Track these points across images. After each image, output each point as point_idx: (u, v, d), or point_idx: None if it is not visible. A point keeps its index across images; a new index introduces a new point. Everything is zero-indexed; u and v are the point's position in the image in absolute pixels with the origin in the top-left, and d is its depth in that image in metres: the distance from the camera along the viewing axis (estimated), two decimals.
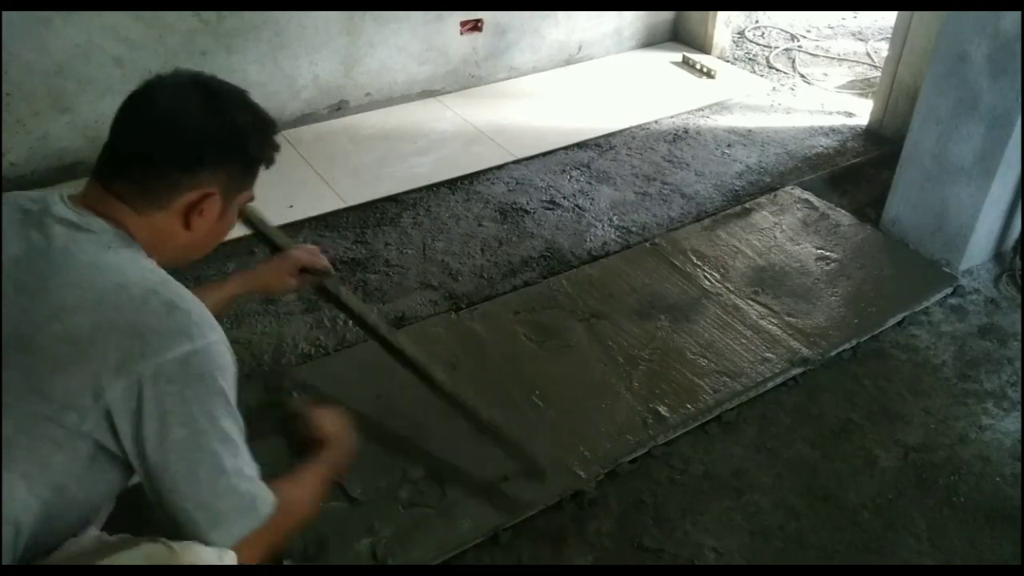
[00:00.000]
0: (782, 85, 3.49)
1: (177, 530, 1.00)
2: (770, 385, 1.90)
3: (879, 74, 3.20)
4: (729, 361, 1.96)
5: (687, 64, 3.60)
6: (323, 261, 1.64)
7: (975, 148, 2.14)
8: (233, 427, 1.03)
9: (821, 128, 3.13)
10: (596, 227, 2.50)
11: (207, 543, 0.99)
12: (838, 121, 3.19)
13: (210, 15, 2.63)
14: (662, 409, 1.82)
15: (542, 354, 1.97)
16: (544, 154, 2.88)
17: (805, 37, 4.03)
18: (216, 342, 1.02)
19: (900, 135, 2.50)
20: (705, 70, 3.50)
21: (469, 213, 2.55)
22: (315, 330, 2.04)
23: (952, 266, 2.29)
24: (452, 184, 2.69)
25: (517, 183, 2.72)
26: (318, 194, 2.59)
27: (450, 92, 3.28)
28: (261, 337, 2.01)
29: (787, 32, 4.06)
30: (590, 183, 2.73)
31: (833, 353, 2.00)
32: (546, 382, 1.88)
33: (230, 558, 0.99)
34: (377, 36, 2.99)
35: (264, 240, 1.67)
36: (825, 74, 3.63)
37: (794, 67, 3.68)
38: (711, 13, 3.63)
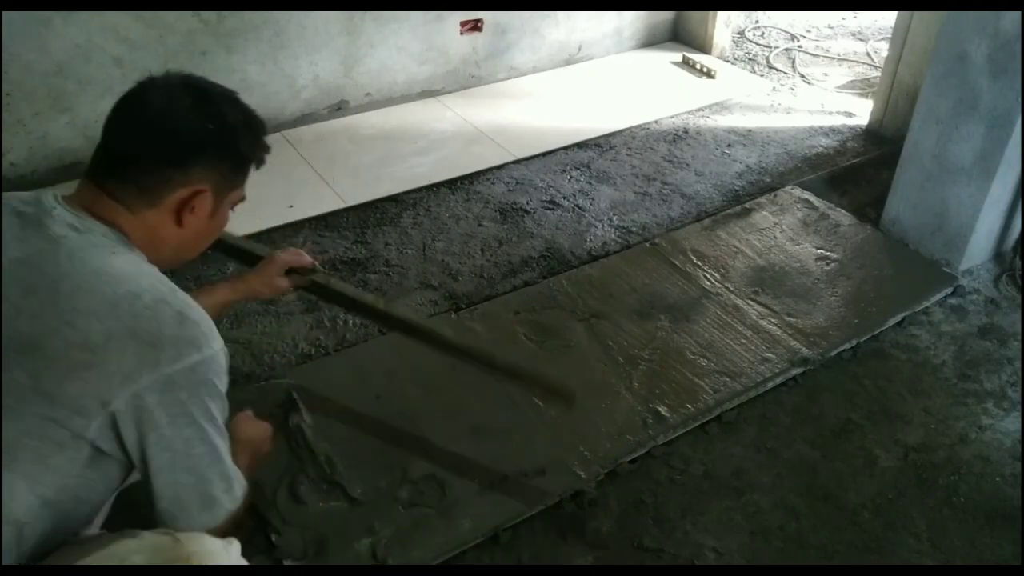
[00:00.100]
0: (782, 85, 3.49)
1: (166, 518, 1.04)
2: (770, 385, 1.90)
3: (879, 74, 3.20)
4: (729, 361, 1.96)
5: (687, 64, 3.60)
6: (307, 259, 1.64)
7: (975, 148, 2.14)
8: (223, 418, 1.10)
9: (821, 128, 3.13)
10: (596, 227, 2.50)
11: (192, 528, 1.03)
12: (838, 121, 3.19)
13: (210, 15, 2.63)
14: (662, 409, 1.82)
15: (542, 354, 1.97)
16: (544, 154, 2.88)
17: (805, 37, 4.03)
18: (219, 351, 1.07)
19: (900, 135, 2.50)
20: (705, 70, 3.50)
21: (469, 213, 2.55)
22: (315, 330, 2.04)
23: (952, 266, 2.29)
24: (452, 184, 2.69)
25: (517, 183, 2.72)
26: (318, 194, 2.59)
27: (450, 92, 3.28)
28: (261, 337, 2.01)
29: (787, 32, 4.06)
30: (590, 183, 2.73)
31: (833, 353, 2.00)
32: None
33: (236, 547, 1.01)
34: (377, 36, 2.99)
35: (242, 255, 1.65)
36: (825, 74, 3.63)
37: (794, 67, 3.68)
38: (711, 13, 3.63)
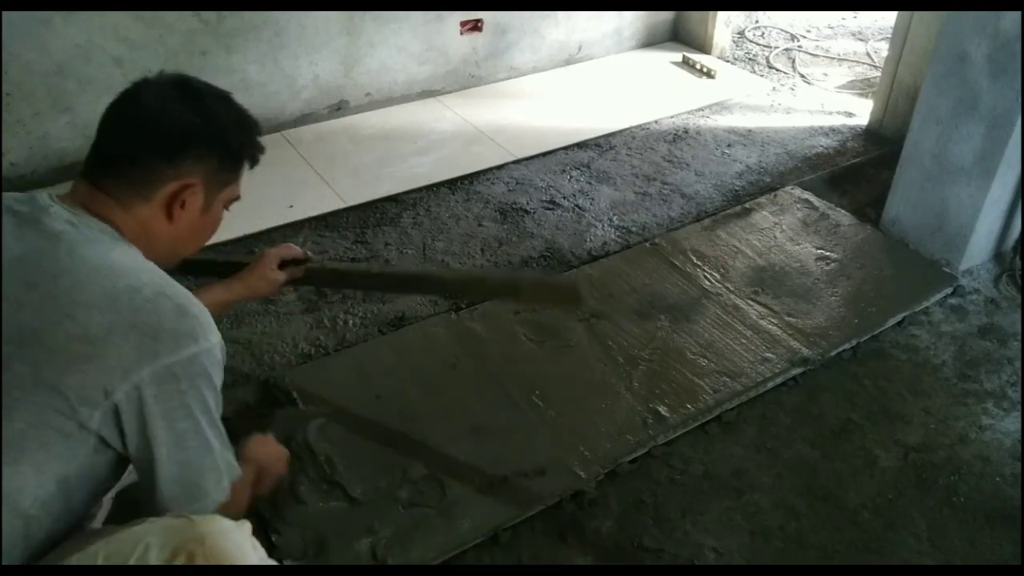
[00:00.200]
0: (782, 85, 3.49)
1: (158, 510, 1.05)
2: (770, 385, 1.90)
3: (879, 74, 3.20)
4: (729, 361, 1.96)
5: (687, 64, 3.60)
6: (298, 250, 1.64)
7: (975, 148, 2.14)
8: (218, 411, 1.11)
9: (821, 128, 3.13)
10: (596, 227, 2.50)
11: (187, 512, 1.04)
12: (838, 121, 3.19)
13: (210, 15, 2.63)
14: (662, 409, 1.82)
15: (542, 354, 1.97)
16: (544, 154, 2.88)
17: (805, 37, 4.03)
18: (216, 344, 1.08)
19: (900, 135, 2.50)
20: (705, 70, 3.50)
21: (469, 213, 2.55)
22: (315, 330, 2.04)
23: (952, 266, 2.29)
24: (452, 184, 2.69)
25: (517, 183, 2.72)
26: (318, 194, 2.59)
27: (450, 92, 3.28)
28: (261, 337, 2.01)
29: (787, 32, 4.06)
30: (590, 183, 2.73)
31: (833, 353, 2.00)
32: (546, 382, 1.88)
33: (246, 527, 1.03)
34: (377, 36, 2.99)
35: (227, 268, 1.63)
36: (825, 74, 3.63)
37: (794, 67, 3.68)
38: (711, 13, 3.63)
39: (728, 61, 3.70)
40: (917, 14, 2.79)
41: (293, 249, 1.63)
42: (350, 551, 1.49)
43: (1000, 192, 2.18)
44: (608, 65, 3.61)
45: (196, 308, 1.06)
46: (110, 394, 0.97)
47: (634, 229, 2.50)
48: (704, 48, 3.72)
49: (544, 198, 2.64)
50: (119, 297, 1.00)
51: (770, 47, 3.88)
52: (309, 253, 1.65)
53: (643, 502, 1.63)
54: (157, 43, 2.58)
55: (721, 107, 3.27)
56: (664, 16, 3.79)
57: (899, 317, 2.12)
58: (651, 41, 3.81)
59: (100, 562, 0.93)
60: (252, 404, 1.79)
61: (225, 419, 1.15)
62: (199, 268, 1.61)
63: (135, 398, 0.98)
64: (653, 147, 2.96)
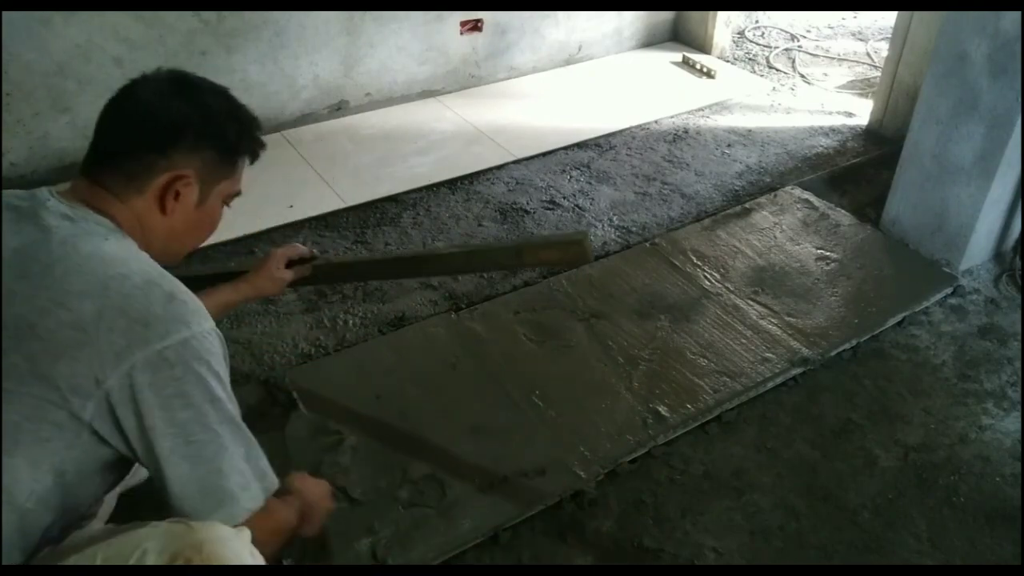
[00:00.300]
0: (782, 85, 3.49)
1: (178, 514, 1.01)
2: (770, 385, 1.90)
3: (879, 74, 3.20)
4: (729, 361, 1.96)
5: (687, 64, 3.60)
6: (304, 249, 1.65)
7: (975, 148, 2.14)
8: (232, 408, 1.07)
9: (821, 128, 3.13)
10: (596, 227, 2.50)
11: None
12: (838, 121, 3.19)
13: (210, 15, 2.63)
14: (662, 409, 1.82)
15: (542, 354, 1.97)
16: (544, 154, 2.88)
17: (805, 37, 4.03)
18: (209, 330, 1.06)
19: (900, 135, 2.50)
20: (705, 70, 3.50)
21: (469, 213, 2.55)
22: (315, 330, 2.04)
23: (952, 266, 2.29)
24: (452, 184, 2.69)
25: (517, 183, 2.72)
26: (318, 194, 2.59)
27: (450, 92, 3.28)
28: (261, 337, 2.01)
29: (787, 32, 4.06)
30: (590, 183, 2.73)
31: (833, 353, 2.00)
32: (546, 382, 1.88)
33: (247, 535, 1.01)
34: (377, 36, 2.99)
35: (230, 275, 1.62)
36: (825, 74, 3.63)
37: (794, 67, 3.68)
38: (711, 13, 3.63)
39: (728, 61, 3.70)
40: (917, 14, 2.79)
41: (299, 248, 1.64)
42: (350, 551, 1.49)
43: (1000, 192, 2.18)
44: (608, 65, 3.61)
45: (186, 295, 1.06)
46: (101, 383, 0.96)
47: (634, 229, 2.50)
48: (704, 48, 3.72)
49: (544, 198, 2.64)
50: (109, 284, 1.00)
51: (770, 47, 3.88)
52: (315, 251, 1.66)
53: (643, 502, 1.63)
54: (157, 43, 2.58)
55: (721, 107, 3.28)
56: (664, 16, 3.79)
57: (899, 317, 2.12)
58: (651, 41, 3.82)
59: (98, 564, 0.92)
60: (253, 404, 1.79)
61: None
62: (205, 282, 1.61)
63: (127, 386, 0.97)
64: (653, 147, 2.97)
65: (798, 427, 1.81)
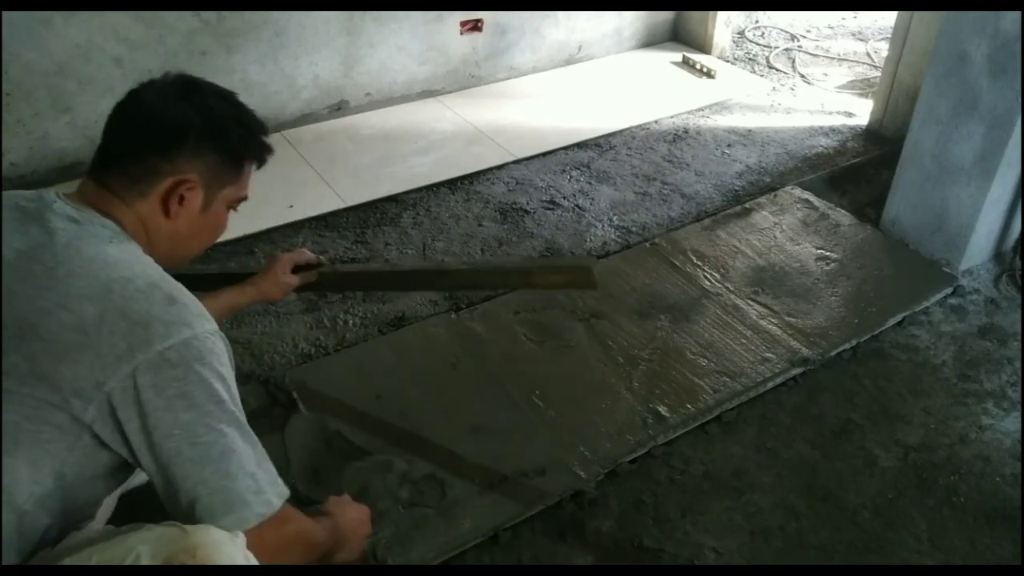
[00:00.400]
0: (782, 85, 3.49)
1: (188, 519, 1.00)
2: (770, 385, 1.90)
3: (879, 74, 3.20)
4: (729, 361, 1.96)
5: (687, 64, 3.60)
6: (310, 255, 1.65)
7: (975, 148, 2.14)
8: (238, 411, 1.05)
9: (821, 128, 3.13)
10: (596, 227, 2.50)
11: (222, 529, 0.99)
12: (838, 121, 3.19)
13: (210, 15, 2.63)
14: (662, 409, 1.82)
15: (542, 354, 1.97)
16: (544, 154, 2.88)
17: (805, 37, 4.03)
18: (212, 333, 1.05)
19: (900, 135, 2.50)
20: (705, 70, 3.50)
21: (469, 213, 2.55)
22: (315, 330, 2.04)
23: (952, 266, 2.29)
24: (452, 184, 2.69)
25: (517, 183, 2.72)
26: (318, 194, 2.59)
27: (450, 92, 3.28)
28: (261, 337, 2.01)
29: (787, 32, 4.06)
30: (590, 183, 2.73)
31: (833, 353, 2.00)
32: (546, 382, 1.88)
33: (242, 540, 1.00)
34: (377, 36, 2.99)
35: (236, 277, 1.62)
36: (825, 74, 3.63)
37: (794, 67, 3.68)
38: (711, 13, 3.63)
39: (728, 61, 3.70)
40: (917, 14, 2.79)
41: (306, 254, 1.64)
42: None
43: (1000, 192, 2.18)
44: (608, 65, 3.61)
45: (187, 298, 1.06)
46: (102, 385, 0.96)
47: (634, 229, 2.50)
48: (704, 48, 3.72)
49: (544, 198, 2.64)
50: (112, 287, 1.00)
51: (770, 47, 3.88)
52: (321, 258, 1.66)
53: (643, 502, 1.63)
54: (157, 43, 2.58)
55: (721, 107, 3.27)
56: (664, 16, 3.79)
57: (899, 317, 2.12)
58: (651, 41, 3.81)
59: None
60: (253, 404, 1.79)
61: None
62: (210, 282, 1.61)
63: (130, 389, 0.96)
64: (653, 147, 2.97)
65: (798, 427, 1.82)
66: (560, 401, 1.83)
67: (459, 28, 3.17)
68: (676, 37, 3.86)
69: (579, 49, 3.59)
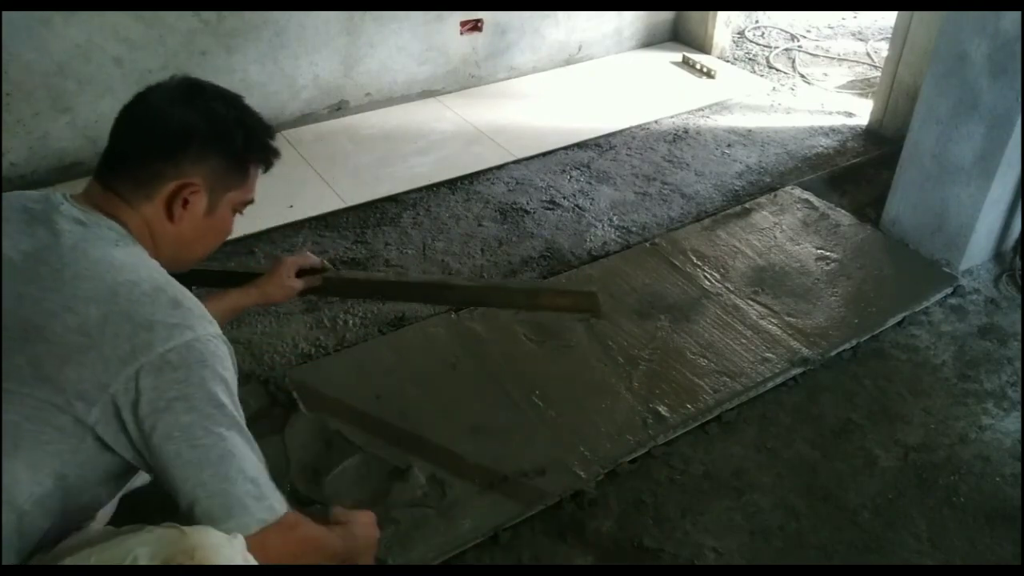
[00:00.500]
0: (782, 85, 3.49)
1: (189, 521, 0.99)
2: (770, 385, 1.90)
3: (879, 74, 3.20)
4: (729, 361, 1.96)
5: (687, 64, 3.60)
6: (315, 259, 1.65)
7: (975, 148, 2.14)
8: (239, 415, 1.05)
9: (821, 128, 3.13)
10: (596, 227, 2.50)
11: (222, 530, 0.99)
12: (838, 121, 3.19)
13: (210, 15, 2.63)
14: (662, 409, 1.82)
15: (542, 354, 1.97)
16: (544, 154, 2.88)
17: (805, 37, 4.03)
18: (215, 336, 1.05)
19: (900, 135, 2.50)
20: (705, 70, 3.50)
21: (469, 213, 2.55)
22: (315, 330, 2.04)
23: (952, 266, 2.29)
24: (452, 184, 2.69)
25: (517, 183, 2.72)
26: (318, 194, 2.59)
27: (450, 92, 3.28)
28: (261, 337, 2.01)
29: (787, 32, 4.06)
30: (590, 183, 2.73)
31: (833, 353, 2.00)
32: (546, 382, 1.88)
33: (240, 542, 0.99)
34: (377, 36, 2.99)
35: (240, 278, 1.62)
36: (825, 74, 3.63)
37: (794, 67, 3.68)
38: (711, 13, 3.63)
39: (728, 61, 3.70)
40: (917, 14, 2.79)
41: (311, 258, 1.64)
42: None
43: (1000, 192, 2.18)
44: (608, 65, 3.61)
45: (191, 302, 1.06)
46: (107, 388, 0.96)
47: (634, 229, 2.50)
48: (704, 48, 3.72)
49: (544, 198, 2.64)
50: (118, 290, 1.01)
51: (770, 47, 3.88)
52: (326, 263, 1.66)
53: (643, 502, 1.63)
54: (157, 43, 2.58)
55: (721, 107, 3.27)
56: (664, 16, 3.79)
57: (899, 317, 2.12)
58: (651, 41, 3.81)
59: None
60: (253, 404, 1.79)
61: None
62: (215, 279, 1.61)
63: (133, 391, 0.97)
64: (653, 147, 2.97)
65: (798, 427, 1.82)
66: (560, 401, 1.83)
67: (459, 28, 3.17)
68: (676, 37, 3.86)
69: (579, 49, 3.59)
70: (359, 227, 2.46)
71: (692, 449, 1.75)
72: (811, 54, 3.84)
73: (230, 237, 1.32)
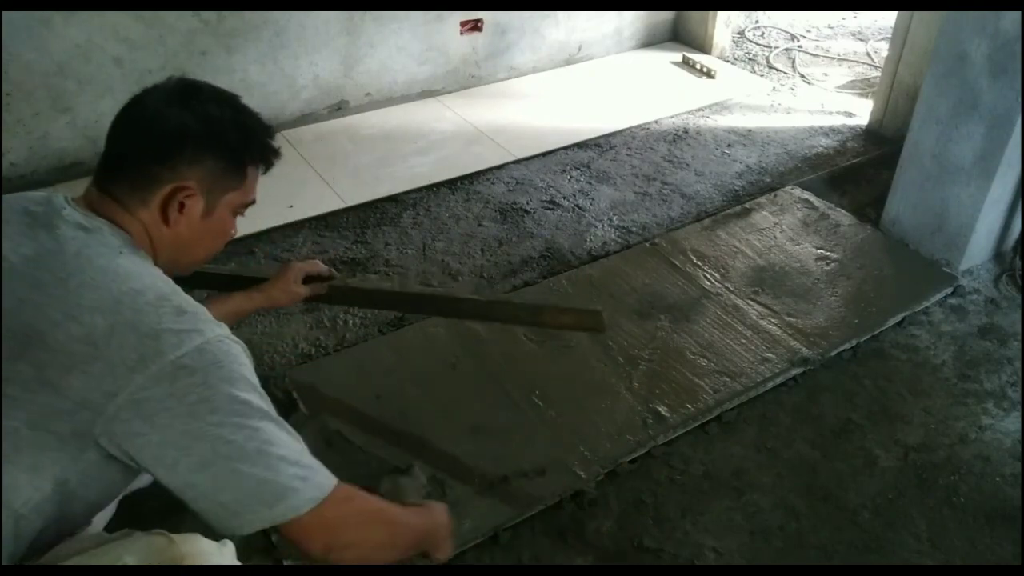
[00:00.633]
0: (782, 85, 3.49)
1: (233, 522, 0.97)
2: (770, 385, 1.90)
3: (879, 74, 3.20)
4: (729, 361, 1.96)
5: (687, 64, 3.60)
6: (323, 267, 1.65)
7: (975, 148, 2.14)
8: (267, 406, 1.03)
9: (821, 128, 3.13)
10: (596, 227, 2.50)
11: (270, 522, 0.98)
12: (838, 121, 3.19)
13: (210, 15, 2.63)
14: (662, 409, 1.82)
15: (542, 354, 1.97)
16: (544, 154, 2.88)
17: (805, 37, 4.03)
18: (225, 336, 1.04)
19: (900, 135, 2.50)
20: (705, 70, 3.50)
21: (469, 213, 2.55)
22: (315, 330, 2.04)
23: (952, 266, 2.29)
24: (452, 184, 2.69)
25: (517, 183, 2.72)
26: (318, 194, 2.59)
27: (450, 92, 3.28)
28: (261, 337, 2.01)
29: (787, 32, 4.06)
30: (590, 183, 2.73)
31: (833, 353, 2.00)
32: (546, 382, 1.88)
33: (230, 550, 0.99)
34: (377, 36, 2.99)
35: (246, 281, 1.62)
36: (825, 74, 3.63)
37: (794, 67, 3.68)
38: (711, 13, 3.63)
39: (728, 61, 3.70)
40: (917, 14, 2.79)
41: (319, 265, 1.64)
42: None
43: (1000, 192, 2.18)
44: (608, 65, 3.61)
45: (196, 308, 1.05)
46: (113, 396, 0.95)
47: (634, 229, 2.50)
48: (704, 48, 3.72)
49: (544, 198, 2.64)
50: (122, 300, 1.00)
51: (770, 47, 3.88)
52: (333, 271, 1.65)
53: (643, 502, 1.63)
54: (157, 43, 2.58)
55: (721, 107, 3.28)
56: (664, 16, 3.79)
57: (899, 317, 2.12)
58: (651, 41, 3.81)
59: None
60: None
61: None
62: (221, 282, 1.61)
63: (145, 400, 0.95)
64: (653, 147, 2.97)
65: (798, 427, 1.82)
66: (560, 401, 1.83)
67: (459, 28, 3.17)
68: (676, 37, 3.86)
69: (579, 49, 3.59)
70: (359, 227, 2.46)
71: (692, 449, 1.75)
72: (811, 54, 3.84)
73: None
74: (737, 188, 2.73)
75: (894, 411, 1.86)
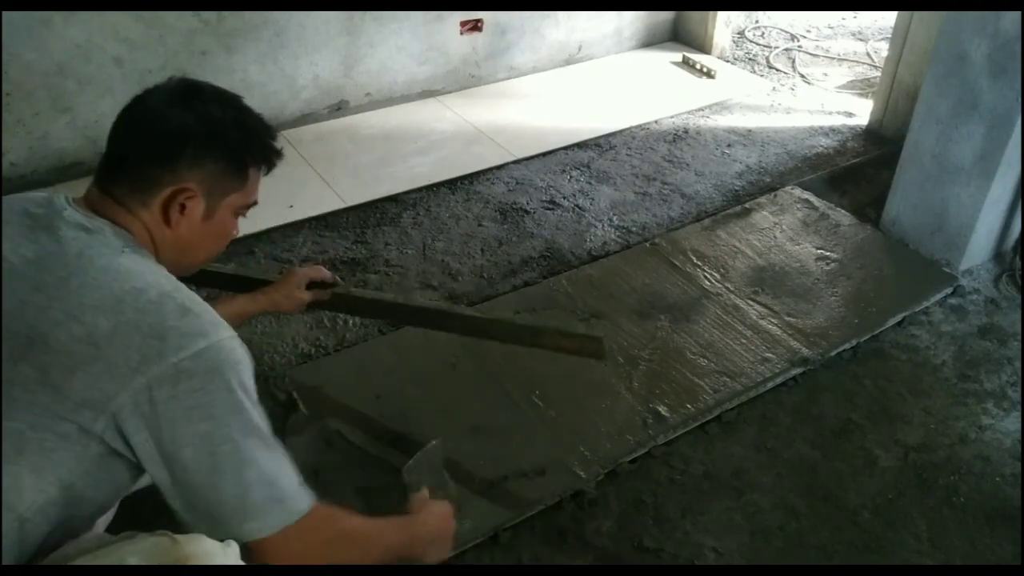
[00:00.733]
0: (782, 85, 3.49)
1: (209, 531, 0.98)
2: (770, 385, 1.90)
3: (879, 74, 3.20)
4: (729, 361, 1.96)
5: (687, 64, 3.60)
6: (327, 273, 1.65)
7: (975, 148, 2.14)
8: (259, 419, 1.03)
9: (821, 128, 3.13)
10: (596, 227, 2.50)
11: (240, 538, 0.99)
12: (838, 121, 3.19)
13: (210, 15, 2.63)
14: (662, 409, 1.82)
15: (542, 354, 1.95)
16: (544, 154, 2.88)
17: (805, 37, 4.03)
18: (229, 338, 1.04)
19: (900, 135, 2.50)
20: (705, 70, 3.50)
21: (469, 213, 2.55)
22: (315, 330, 2.04)
23: (952, 266, 2.29)
24: (452, 184, 2.69)
25: (517, 183, 2.72)
26: (318, 194, 2.59)
27: (450, 92, 3.28)
28: (261, 337, 2.01)
29: (787, 32, 4.06)
30: (590, 183, 2.73)
31: (833, 353, 2.00)
32: (546, 382, 1.88)
33: (234, 550, 0.99)
34: (377, 36, 2.99)
35: (251, 283, 1.63)
36: (825, 74, 3.63)
37: (794, 67, 3.68)
38: (711, 13, 3.63)
39: (728, 61, 3.70)
40: (917, 14, 2.79)
41: (323, 272, 1.63)
42: None
43: (1000, 192, 2.18)
44: (608, 65, 3.61)
45: (201, 307, 1.05)
46: (114, 396, 0.95)
47: (634, 229, 2.50)
48: (704, 48, 3.72)
49: (544, 198, 2.64)
50: (124, 299, 0.99)
51: (770, 47, 3.88)
52: (337, 278, 1.65)
53: (643, 502, 1.63)
54: (157, 43, 2.58)
55: (721, 107, 3.28)
56: (664, 16, 3.79)
57: (899, 317, 2.12)
58: (651, 41, 3.81)
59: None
60: None
61: None
62: (225, 281, 1.61)
63: (145, 401, 0.95)
64: (653, 147, 2.97)
65: (798, 427, 1.82)
66: (560, 401, 1.83)
67: (459, 28, 3.17)
68: (676, 37, 3.86)
69: (579, 49, 3.59)
70: (359, 227, 2.46)
71: (692, 449, 1.75)
72: (811, 54, 3.84)
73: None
74: (737, 188, 2.73)
75: (894, 411, 1.86)
